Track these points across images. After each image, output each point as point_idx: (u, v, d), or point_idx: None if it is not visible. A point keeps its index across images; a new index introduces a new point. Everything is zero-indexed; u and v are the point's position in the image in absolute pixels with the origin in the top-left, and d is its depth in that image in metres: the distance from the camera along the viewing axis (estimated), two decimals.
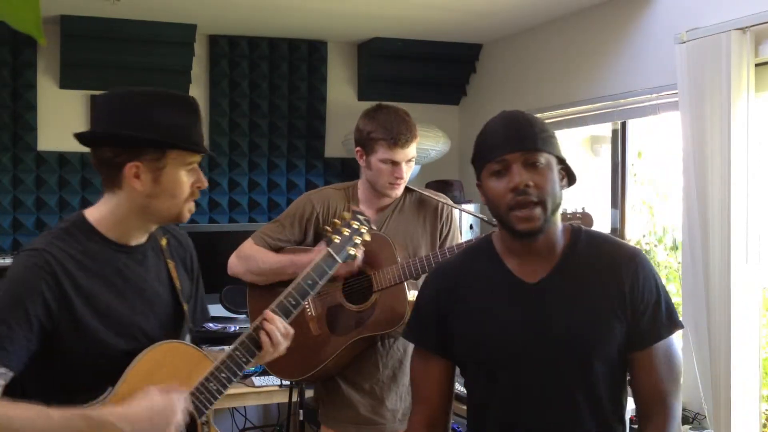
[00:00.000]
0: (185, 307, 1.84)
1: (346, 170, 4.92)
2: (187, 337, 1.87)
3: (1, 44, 4.19)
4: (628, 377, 1.73)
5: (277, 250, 2.55)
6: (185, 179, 1.70)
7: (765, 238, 3.12)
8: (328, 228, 2.09)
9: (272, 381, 3.80)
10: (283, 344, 1.84)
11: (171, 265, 1.84)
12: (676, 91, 3.22)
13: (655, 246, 3.98)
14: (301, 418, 3.46)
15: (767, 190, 3.12)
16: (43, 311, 1.60)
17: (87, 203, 4.39)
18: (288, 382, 3.63)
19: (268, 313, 1.84)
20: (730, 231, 2.97)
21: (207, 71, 4.66)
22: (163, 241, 1.85)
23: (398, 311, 2.41)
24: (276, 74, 4.76)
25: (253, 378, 3.84)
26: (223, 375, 1.75)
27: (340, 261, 2.02)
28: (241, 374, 1.78)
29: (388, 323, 2.43)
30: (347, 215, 2.12)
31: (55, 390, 1.64)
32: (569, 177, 1.71)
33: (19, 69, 4.28)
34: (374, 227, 2.18)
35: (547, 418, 1.65)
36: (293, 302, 1.88)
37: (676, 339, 1.72)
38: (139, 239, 1.77)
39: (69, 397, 1.59)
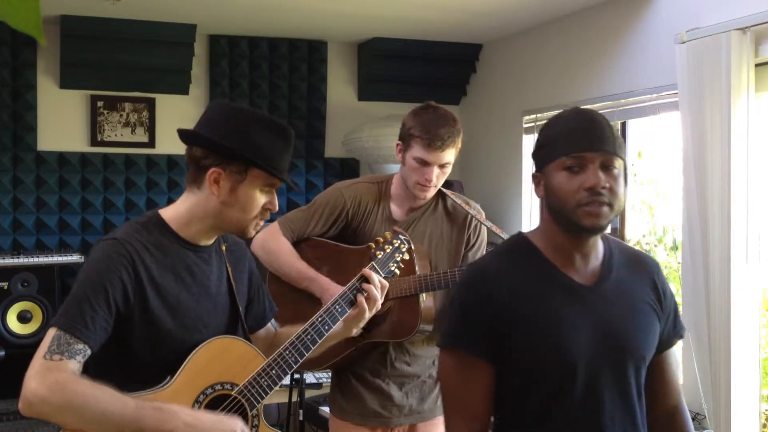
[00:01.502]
0: (240, 308, 1.94)
1: (346, 170, 4.92)
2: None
3: (1, 44, 4.19)
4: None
5: (303, 239, 2.57)
6: (259, 198, 1.80)
7: (765, 238, 3.12)
8: (372, 245, 2.14)
9: None
10: (380, 300, 2.05)
11: (229, 269, 1.94)
12: (676, 91, 3.22)
13: (655, 246, 3.98)
14: (301, 418, 3.46)
15: (767, 190, 3.12)
16: (122, 296, 1.71)
17: (87, 203, 4.43)
18: (288, 382, 3.63)
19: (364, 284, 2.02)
20: (730, 231, 2.97)
21: (207, 71, 4.66)
22: (224, 247, 1.95)
23: (410, 323, 2.44)
24: (276, 74, 4.76)
25: None
26: (274, 372, 1.86)
27: (382, 275, 2.07)
28: (289, 372, 1.89)
29: (399, 333, 2.45)
30: (389, 234, 2.16)
31: (117, 374, 1.72)
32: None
33: (19, 69, 4.28)
34: (414, 246, 2.24)
35: (615, 421, 1.65)
36: (339, 309, 2.00)
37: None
38: (206, 241, 1.88)
39: (128, 382, 1.69)
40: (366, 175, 4.77)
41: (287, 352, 1.89)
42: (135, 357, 1.76)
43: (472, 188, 4.81)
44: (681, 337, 1.76)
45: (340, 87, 4.95)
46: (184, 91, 4.55)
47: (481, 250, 2.60)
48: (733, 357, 3.00)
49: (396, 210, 2.56)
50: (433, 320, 2.49)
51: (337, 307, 1.98)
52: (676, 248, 3.80)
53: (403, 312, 2.44)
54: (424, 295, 2.45)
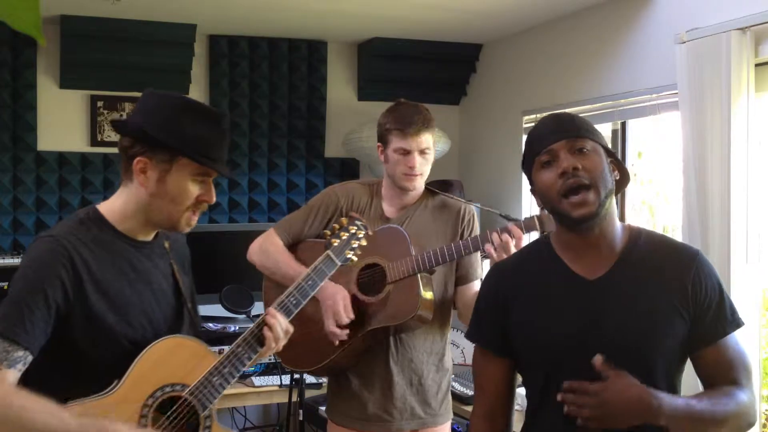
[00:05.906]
0: (189, 305, 1.89)
1: (346, 170, 4.92)
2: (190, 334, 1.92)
3: (1, 44, 4.19)
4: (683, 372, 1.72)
5: (299, 241, 2.61)
6: (191, 188, 1.74)
7: (765, 238, 3.12)
8: (327, 232, 2.14)
9: (272, 381, 3.81)
10: (282, 341, 1.90)
11: (174, 265, 1.90)
12: (676, 91, 3.22)
13: None
14: (301, 418, 3.46)
15: (767, 190, 3.12)
16: (61, 295, 1.66)
17: (87, 203, 4.41)
18: (288, 382, 3.63)
19: (271, 310, 1.90)
20: (730, 231, 2.97)
21: (207, 71, 4.66)
22: (167, 243, 1.90)
23: (410, 303, 2.45)
24: (276, 74, 4.76)
25: (253, 378, 3.84)
26: (227, 370, 1.79)
27: (338, 263, 2.05)
28: (243, 369, 1.83)
29: (400, 315, 2.46)
30: (345, 220, 2.16)
31: (60, 377, 1.68)
32: (622, 174, 1.72)
33: (19, 69, 4.28)
34: (371, 232, 2.24)
35: None
36: (294, 302, 1.96)
37: (739, 337, 1.73)
38: (146, 237, 1.83)
39: (75, 387, 1.64)
40: (363, 177, 4.79)
41: (240, 348, 1.82)
42: (78, 357, 1.70)
43: (472, 188, 4.81)
44: (726, 333, 1.66)
45: (339, 87, 4.95)
46: (184, 91, 4.54)
47: None
48: None
49: (388, 208, 2.62)
50: (433, 308, 2.51)
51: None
52: None
53: (401, 294, 2.46)
54: (420, 277, 2.46)
